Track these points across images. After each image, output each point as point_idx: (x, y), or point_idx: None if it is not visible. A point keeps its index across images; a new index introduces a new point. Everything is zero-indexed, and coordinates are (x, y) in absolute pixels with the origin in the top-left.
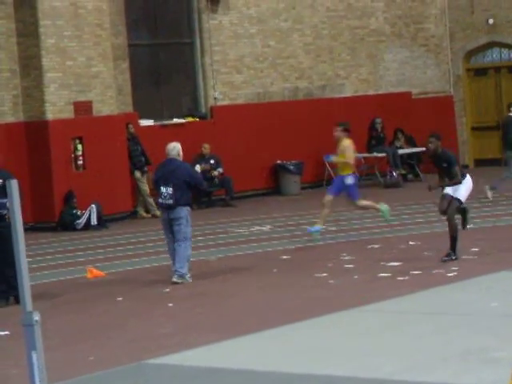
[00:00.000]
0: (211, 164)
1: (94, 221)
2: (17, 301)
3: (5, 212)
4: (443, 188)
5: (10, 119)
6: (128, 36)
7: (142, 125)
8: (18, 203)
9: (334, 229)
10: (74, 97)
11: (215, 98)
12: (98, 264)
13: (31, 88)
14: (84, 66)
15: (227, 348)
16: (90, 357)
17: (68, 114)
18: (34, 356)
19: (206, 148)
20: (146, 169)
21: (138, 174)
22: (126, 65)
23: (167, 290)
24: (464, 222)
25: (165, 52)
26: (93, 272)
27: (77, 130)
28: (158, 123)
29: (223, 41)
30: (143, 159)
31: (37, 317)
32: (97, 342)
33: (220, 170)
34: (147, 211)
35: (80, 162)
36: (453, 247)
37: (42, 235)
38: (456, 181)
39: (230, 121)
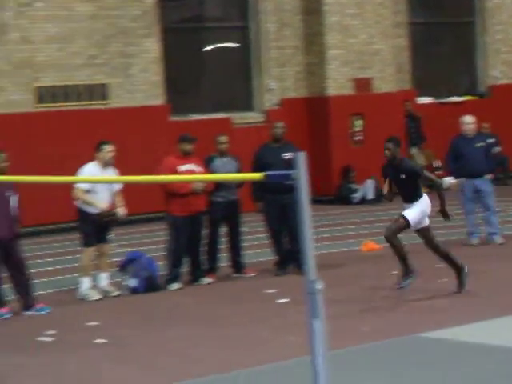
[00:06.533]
0: (490, 143)
1: (370, 195)
2: (297, 270)
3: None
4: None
5: (292, 94)
6: (408, 14)
7: (419, 102)
8: (306, 175)
9: None
10: (354, 74)
11: (496, 77)
12: (373, 238)
13: (313, 64)
14: (365, 43)
15: (498, 326)
16: (364, 327)
17: (348, 90)
18: (316, 323)
19: (485, 127)
20: (421, 145)
21: (414, 150)
22: (405, 43)
23: (439, 266)
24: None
25: (444, 31)
26: (368, 245)
27: (356, 106)
28: (437, 101)
29: (505, 20)
30: (419, 136)
31: (320, 285)
32: (374, 313)
33: (497, 148)
34: None
35: (357, 138)
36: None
37: (320, 207)
38: (437, 184)
39: (510, 100)
